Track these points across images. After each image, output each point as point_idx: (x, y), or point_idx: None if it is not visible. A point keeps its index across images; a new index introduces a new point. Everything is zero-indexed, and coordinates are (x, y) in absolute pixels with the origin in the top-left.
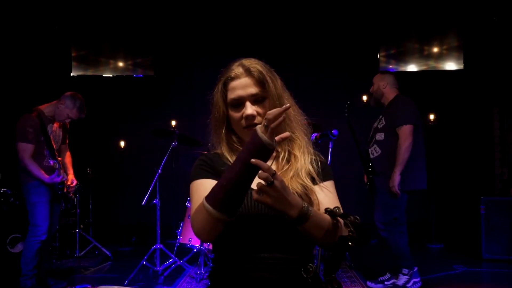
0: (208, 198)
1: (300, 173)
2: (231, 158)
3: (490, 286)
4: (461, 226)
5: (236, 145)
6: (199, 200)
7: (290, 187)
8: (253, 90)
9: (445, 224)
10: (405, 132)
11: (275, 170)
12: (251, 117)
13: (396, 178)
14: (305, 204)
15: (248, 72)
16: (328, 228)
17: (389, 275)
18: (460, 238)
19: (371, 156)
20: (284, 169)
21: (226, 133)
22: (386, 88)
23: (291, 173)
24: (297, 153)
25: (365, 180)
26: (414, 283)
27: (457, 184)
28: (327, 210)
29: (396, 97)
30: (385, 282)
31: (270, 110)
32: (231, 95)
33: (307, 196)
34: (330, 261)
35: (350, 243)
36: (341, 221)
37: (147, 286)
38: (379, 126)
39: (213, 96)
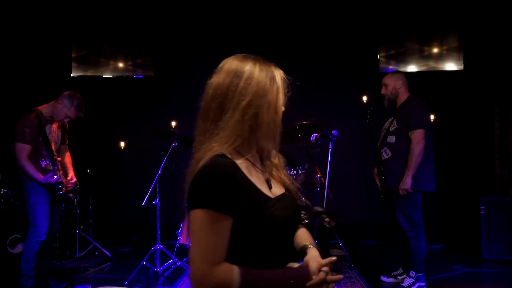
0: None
1: (286, 174)
2: (247, 172)
3: (490, 287)
4: (461, 226)
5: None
6: (214, 258)
7: (285, 183)
8: None
9: (445, 224)
10: (418, 136)
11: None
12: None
13: (408, 181)
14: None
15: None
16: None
17: (401, 270)
18: (460, 239)
19: (382, 158)
20: (279, 171)
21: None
22: (402, 88)
23: (282, 174)
24: (276, 161)
25: (377, 183)
26: (419, 287)
27: (457, 184)
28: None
29: (408, 98)
30: (398, 277)
31: None
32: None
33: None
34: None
35: (328, 225)
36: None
37: (147, 287)
38: (390, 128)
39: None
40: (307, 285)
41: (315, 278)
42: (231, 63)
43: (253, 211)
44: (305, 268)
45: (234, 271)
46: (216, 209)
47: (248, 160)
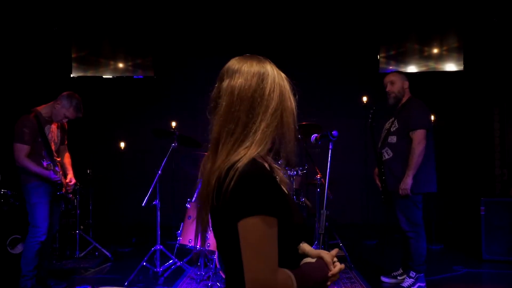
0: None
1: None
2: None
3: (490, 287)
4: (461, 227)
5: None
6: (276, 263)
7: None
8: None
9: (445, 225)
10: (419, 136)
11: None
12: None
13: (409, 181)
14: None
15: None
16: None
17: (401, 271)
18: (460, 239)
19: (383, 158)
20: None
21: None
22: (407, 89)
23: None
24: None
25: (378, 183)
26: (419, 287)
27: (457, 185)
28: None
29: (409, 99)
30: (398, 277)
31: None
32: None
33: None
34: None
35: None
36: None
37: (147, 287)
38: (392, 129)
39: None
40: (330, 275)
41: (335, 268)
42: (250, 65)
43: (290, 212)
44: (322, 261)
45: (289, 274)
46: (271, 214)
47: (268, 163)
